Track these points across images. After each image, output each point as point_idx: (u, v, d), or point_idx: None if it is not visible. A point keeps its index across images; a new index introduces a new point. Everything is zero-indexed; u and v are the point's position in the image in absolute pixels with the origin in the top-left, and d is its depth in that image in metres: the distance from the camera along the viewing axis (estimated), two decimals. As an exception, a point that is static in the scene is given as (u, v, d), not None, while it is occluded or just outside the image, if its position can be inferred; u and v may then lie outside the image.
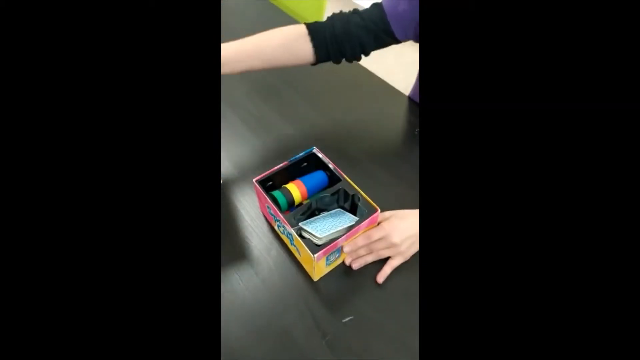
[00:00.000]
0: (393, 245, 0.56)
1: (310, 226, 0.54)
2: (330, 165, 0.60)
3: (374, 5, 0.63)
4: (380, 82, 0.92)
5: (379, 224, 0.57)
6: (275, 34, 0.62)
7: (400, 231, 0.56)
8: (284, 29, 0.62)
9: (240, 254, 0.61)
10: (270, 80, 0.92)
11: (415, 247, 0.58)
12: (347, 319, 0.54)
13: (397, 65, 1.80)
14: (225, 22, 1.14)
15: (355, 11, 0.63)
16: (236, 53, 0.60)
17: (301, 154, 0.62)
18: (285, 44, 0.62)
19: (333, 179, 0.61)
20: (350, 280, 0.58)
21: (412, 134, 0.79)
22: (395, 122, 0.84)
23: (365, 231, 0.56)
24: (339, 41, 0.62)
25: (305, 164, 0.63)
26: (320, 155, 0.61)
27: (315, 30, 0.62)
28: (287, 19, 1.12)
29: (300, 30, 0.62)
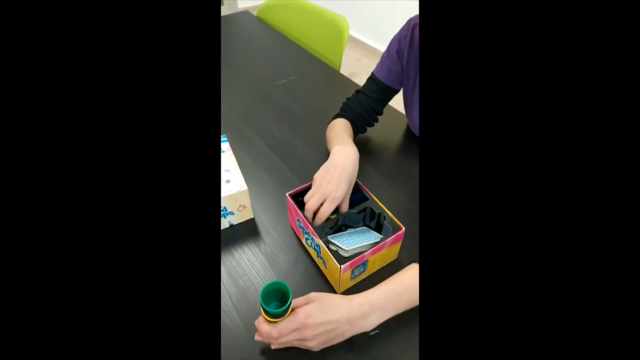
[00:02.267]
0: (304, 340, 0.49)
1: (338, 240, 0.56)
2: (359, 184, 0.64)
3: (369, 79, 0.83)
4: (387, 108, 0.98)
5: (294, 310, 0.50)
6: (346, 123, 0.81)
7: (314, 325, 0.48)
8: (340, 120, 0.82)
9: (269, 268, 0.63)
10: (294, 109, 0.98)
11: (327, 343, 0.50)
12: (373, 332, 0.55)
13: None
14: (247, 56, 1.23)
15: (358, 91, 0.84)
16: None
17: None
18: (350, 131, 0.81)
19: (360, 197, 0.64)
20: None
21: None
22: (399, 141, 0.88)
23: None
24: (362, 117, 0.82)
25: None
26: None
27: (350, 118, 0.83)
28: (305, 53, 1.20)
29: (343, 120, 0.82)
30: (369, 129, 0.86)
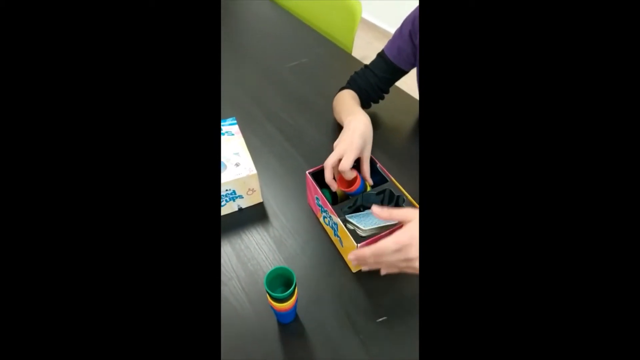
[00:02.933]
0: (409, 260, 0.48)
1: (355, 219, 0.56)
2: (377, 165, 0.64)
3: (379, 56, 0.82)
4: (396, 91, 0.95)
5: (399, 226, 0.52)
6: (353, 98, 0.81)
7: (417, 247, 0.48)
8: (351, 94, 0.82)
9: (277, 252, 0.63)
10: (304, 92, 0.97)
11: None
12: (380, 319, 0.55)
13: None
14: (260, 42, 1.20)
15: (366, 66, 0.83)
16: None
17: None
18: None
19: (380, 179, 0.64)
20: (384, 280, 0.59)
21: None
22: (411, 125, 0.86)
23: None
24: (366, 93, 0.82)
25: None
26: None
27: (356, 91, 0.83)
28: (316, 35, 1.18)
29: (350, 91, 0.83)
30: (378, 112, 0.84)
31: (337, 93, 0.84)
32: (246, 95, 0.96)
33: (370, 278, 0.59)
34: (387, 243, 0.48)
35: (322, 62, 1.09)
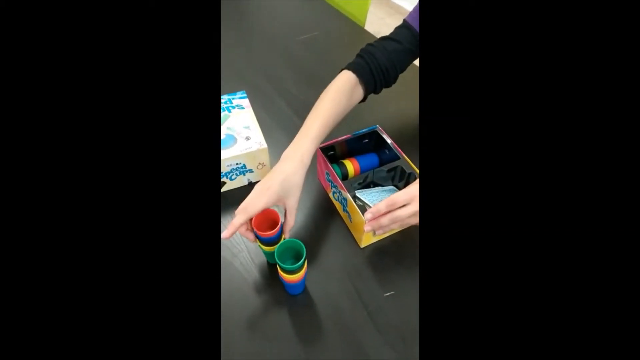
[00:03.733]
0: (416, 213, 0.52)
1: (365, 196, 0.57)
2: (389, 141, 0.64)
3: (400, 27, 0.66)
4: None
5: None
6: (339, 98, 0.63)
7: None
8: (339, 86, 0.64)
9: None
10: (315, 66, 0.95)
11: None
12: (388, 294, 0.55)
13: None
14: (272, 12, 1.17)
15: (385, 38, 0.66)
16: (322, 131, 0.60)
17: (364, 130, 0.66)
18: (349, 101, 0.64)
19: (392, 156, 0.64)
20: (392, 255, 0.59)
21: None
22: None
23: None
24: (385, 72, 0.65)
25: (367, 140, 0.67)
26: (383, 134, 0.65)
27: (361, 72, 0.64)
28: (328, 8, 1.14)
29: (351, 78, 0.64)
30: (392, 86, 0.82)
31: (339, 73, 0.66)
32: (255, 69, 0.95)
33: (378, 253, 0.60)
34: (399, 194, 0.52)
35: (334, 35, 1.07)
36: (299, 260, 0.48)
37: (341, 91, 0.63)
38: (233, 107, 0.72)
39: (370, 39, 1.04)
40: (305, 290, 0.56)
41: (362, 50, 0.67)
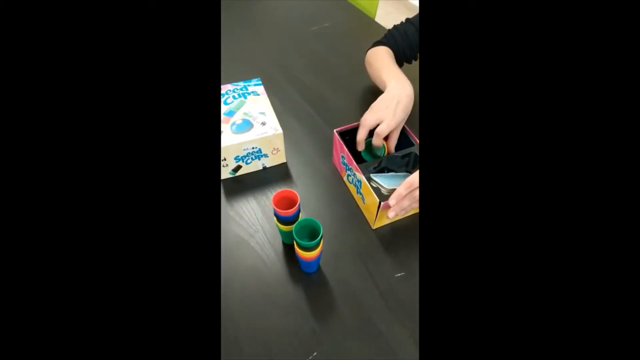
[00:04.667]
0: None
1: (379, 178, 0.58)
2: (405, 127, 0.66)
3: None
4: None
5: None
6: (392, 58, 0.78)
7: None
8: (388, 51, 0.78)
9: (300, 208, 0.65)
10: (326, 57, 0.97)
11: None
12: (399, 275, 0.57)
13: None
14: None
15: (408, 20, 0.79)
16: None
17: None
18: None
19: (406, 142, 0.66)
20: (403, 238, 0.61)
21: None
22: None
23: None
24: (403, 53, 0.79)
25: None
26: None
27: (393, 47, 0.80)
28: (339, 1, 1.16)
29: (389, 50, 0.80)
30: (408, 72, 0.84)
31: (370, 48, 0.81)
32: (268, 57, 0.96)
33: (389, 235, 0.62)
34: (415, 176, 0.56)
35: (344, 27, 1.08)
36: (315, 238, 0.50)
37: (389, 52, 0.77)
38: (249, 94, 0.73)
39: (380, 30, 1.05)
40: (319, 269, 0.58)
41: (387, 33, 0.80)
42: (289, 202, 0.55)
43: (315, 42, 1.02)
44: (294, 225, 0.51)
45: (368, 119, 0.63)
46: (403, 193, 0.56)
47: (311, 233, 0.53)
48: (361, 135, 0.63)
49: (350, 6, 1.15)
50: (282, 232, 0.58)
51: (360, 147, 0.65)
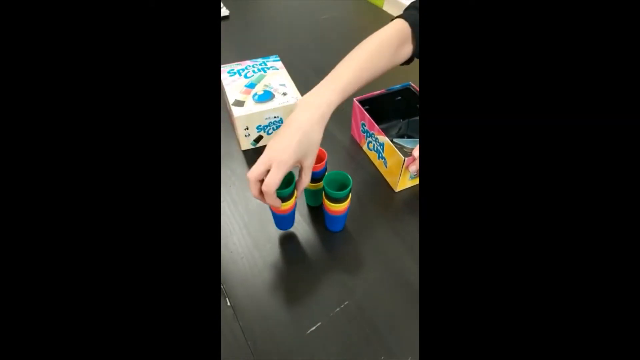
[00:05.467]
0: None
1: (401, 141, 0.60)
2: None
3: None
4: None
5: None
6: (382, 51, 0.55)
7: None
8: (386, 37, 0.55)
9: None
10: (338, 43, 0.99)
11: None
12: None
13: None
14: None
15: None
16: (352, 84, 0.53)
17: (397, 86, 0.69)
18: (392, 57, 0.56)
19: None
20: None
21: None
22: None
23: None
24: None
25: (399, 97, 0.70)
26: (415, 90, 0.69)
27: (417, 25, 0.55)
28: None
29: (403, 30, 0.55)
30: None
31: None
32: (282, 41, 0.99)
33: (412, 197, 0.63)
34: None
35: (354, 15, 1.11)
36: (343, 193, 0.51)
37: (387, 43, 0.54)
38: (268, 68, 0.75)
39: (387, 17, 1.08)
40: (344, 229, 0.59)
41: (409, 7, 0.57)
42: (317, 159, 0.56)
43: (326, 29, 1.04)
44: (324, 177, 0.52)
45: (252, 171, 0.45)
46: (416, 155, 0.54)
47: (340, 187, 0.54)
48: (254, 192, 0.47)
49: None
50: (307, 192, 0.59)
51: (265, 202, 0.48)
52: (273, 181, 0.44)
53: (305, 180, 0.49)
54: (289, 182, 0.51)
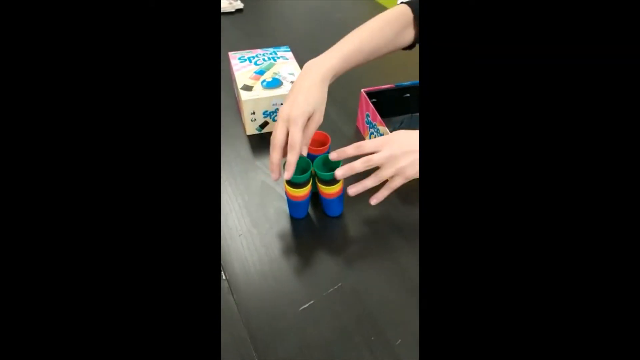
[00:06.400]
0: (391, 159, 0.49)
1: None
2: None
3: None
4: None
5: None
6: (385, 28, 0.59)
7: (399, 144, 0.49)
8: (390, 17, 0.59)
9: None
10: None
11: (415, 168, 0.50)
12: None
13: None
14: None
15: None
16: (355, 54, 0.57)
17: (407, 83, 0.70)
18: (395, 38, 0.59)
19: None
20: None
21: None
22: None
23: None
24: None
25: (408, 95, 0.70)
26: None
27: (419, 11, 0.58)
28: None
29: (405, 13, 0.59)
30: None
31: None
32: (294, 36, 1.01)
33: (411, 190, 0.64)
34: (367, 141, 0.51)
35: (368, 16, 1.13)
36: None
37: (390, 23, 0.58)
38: (278, 58, 0.77)
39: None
40: (342, 215, 0.59)
41: None
42: (320, 144, 0.57)
43: (339, 27, 1.06)
44: (314, 161, 0.52)
45: (276, 137, 0.51)
46: (350, 151, 0.50)
47: (331, 170, 0.54)
48: (275, 160, 0.51)
49: (372, 2, 1.20)
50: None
51: (275, 176, 0.52)
52: (297, 135, 0.49)
53: (313, 128, 0.52)
54: (304, 170, 0.52)
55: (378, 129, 0.64)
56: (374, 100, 0.68)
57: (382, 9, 1.16)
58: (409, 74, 0.79)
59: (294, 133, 0.49)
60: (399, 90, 0.71)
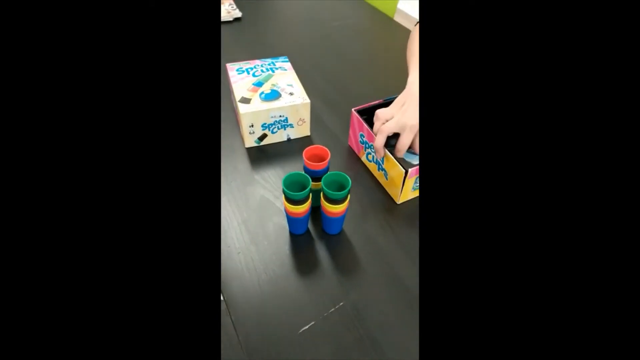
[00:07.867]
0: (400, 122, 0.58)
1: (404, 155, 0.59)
2: None
3: None
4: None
5: None
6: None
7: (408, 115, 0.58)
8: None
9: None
10: (349, 51, 1.00)
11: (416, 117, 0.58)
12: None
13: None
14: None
15: None
16: None
17: (394, 96, 0.68)
18: None
19: None
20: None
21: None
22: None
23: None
24: None
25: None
26: None
27: None
28: (361, 3, 1.21)
29: None
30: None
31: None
32: (292, 45, 1.00)
33: (414, 209, 0.62)
34: (380, 110, 0.59)
35: (366, 24, 1.12)
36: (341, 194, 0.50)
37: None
38: (276, 69, 0.76)
39: (400, 28, 1.09)
40: (342, 232, 0.58)
41: None
42: (319, 159, 0.56)
43: (337, 35, 1.05)
44: (322, 178, 0.52)
45: (388, 125, 0.58)
46: (383, 139, 0.57)
47: (339, 188, 0.54)
48: (379, 142, 0.58)
49: (371, 7, 1.19)
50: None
51: (380, 154, 0.60)
52: (406, 141, 0.56)
53: (417, 145, 0.59)
54: (303, 186, 0.52)
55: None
56: (364, 117, 0.66)
57: (382, 15, 1.15)
58: (396, 87, 0.79)
59: (406, 139, 0.57)
60: (388, 104, 0.68)
